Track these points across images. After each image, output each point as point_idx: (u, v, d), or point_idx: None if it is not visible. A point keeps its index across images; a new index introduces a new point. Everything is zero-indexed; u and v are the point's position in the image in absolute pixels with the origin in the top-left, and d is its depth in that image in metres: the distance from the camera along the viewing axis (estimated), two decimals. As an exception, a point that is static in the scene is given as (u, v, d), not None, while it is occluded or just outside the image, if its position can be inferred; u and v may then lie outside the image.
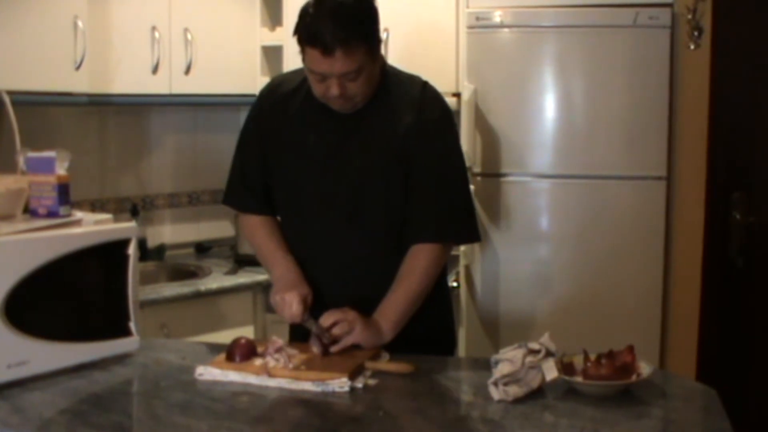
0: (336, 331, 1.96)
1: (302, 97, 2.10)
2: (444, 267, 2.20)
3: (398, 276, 2.05)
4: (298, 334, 2.09)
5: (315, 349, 1.95)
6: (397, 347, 2.00)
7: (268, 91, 2.19)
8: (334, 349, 1.95)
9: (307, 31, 1.89)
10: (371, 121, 2.05)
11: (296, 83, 2.13)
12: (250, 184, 2.19)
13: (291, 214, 2.17)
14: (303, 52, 1.93)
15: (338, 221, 2.07)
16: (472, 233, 2.16)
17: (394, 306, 2.02)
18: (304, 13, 1.92)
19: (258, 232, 2.19)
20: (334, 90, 1.93)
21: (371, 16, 1.97)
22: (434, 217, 2.06)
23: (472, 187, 2.78)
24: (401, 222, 2.07)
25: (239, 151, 2.22)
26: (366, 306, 2.02)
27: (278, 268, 2.12)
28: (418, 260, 2.05)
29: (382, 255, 2.08)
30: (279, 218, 2.22)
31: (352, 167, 2.05)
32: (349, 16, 1.88)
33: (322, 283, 2.11)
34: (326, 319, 1.97)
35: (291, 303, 2.00)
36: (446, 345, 2.26)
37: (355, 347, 1.97)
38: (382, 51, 2.07)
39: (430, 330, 2.16)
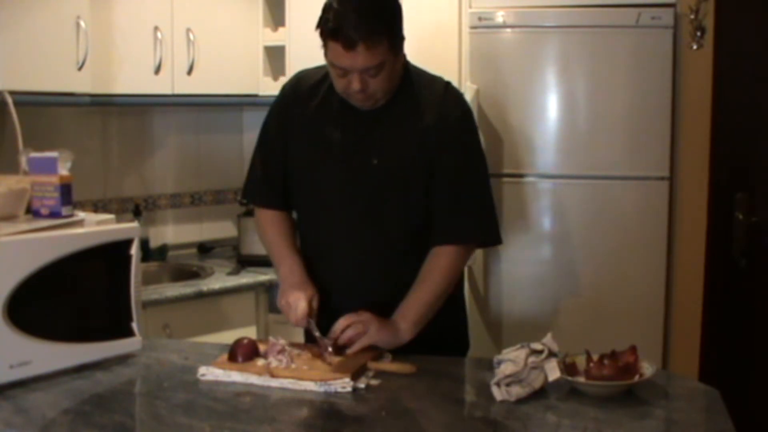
0: (350, 332, 1.94)
1: (324, 92, 2.08)
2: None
3: (419, 277, 2.03)
4: (312, 336, 2.06)
5: (326, 356, 1.92)
6: (410, 348, 1.99)
7: (291, 85, 2.17)
8: (350, 351, 1.93)
9: (330, 25, 1.87)
10: (392, 118, 2.03)
11: (318, 78, 2.11)
12: (271, 178, 2.16)
13: (309, 209, 2.14)
14: (325, 46, 1.92)
15: (356, 217, 2.05)
16: (493, 235, 2.12)
17: (414, 306, 2.00)
18: (327, 7, 1.90)
19: (270, 229, 2.18)
20: (356, 85, 1.92)
21: (395, 12, 1.96)
22: (456, 218, 2.04)
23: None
24: (421, 224, 2.05)
25: (260, 145, 2.19)
26: (379, 308, 2.00)
27: (284, 267, 2.10)
28: (439, 261, 2.03)
29: (398, 255, 2.06)
30: (295, 214, 2.19)
31: (372, 164, 2.03)
32: (372, 11, 1.88)
33: (335, 280, 2.09)
34: (340, 323, 1.95)
35: (296, 305, 1.98)
36: (459, 346, 2.24)
37: (373, 348, 1.95)
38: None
39: (443, 331, 2.13)
